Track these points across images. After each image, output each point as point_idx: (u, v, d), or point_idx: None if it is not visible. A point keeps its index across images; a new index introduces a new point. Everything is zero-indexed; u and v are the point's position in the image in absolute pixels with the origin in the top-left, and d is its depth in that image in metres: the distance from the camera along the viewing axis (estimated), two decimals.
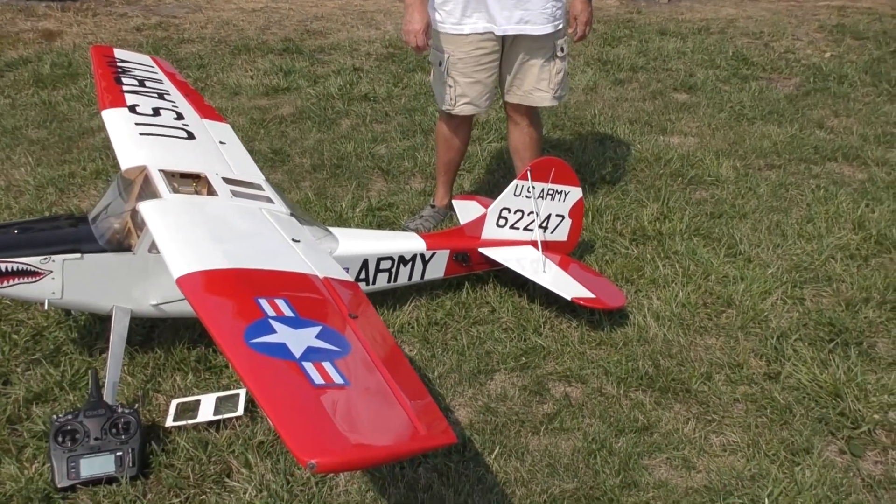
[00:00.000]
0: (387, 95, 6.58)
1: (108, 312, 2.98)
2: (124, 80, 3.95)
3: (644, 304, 3.75)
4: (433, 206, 4.50)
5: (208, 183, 3.16)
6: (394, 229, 4.36)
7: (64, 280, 2.91)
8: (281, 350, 2.07)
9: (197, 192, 3.14)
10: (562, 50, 4.03)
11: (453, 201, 3.98)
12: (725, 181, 5.05)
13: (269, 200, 3.18)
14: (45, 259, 2.86)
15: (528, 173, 3.70)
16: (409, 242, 3.60)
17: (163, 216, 2.79)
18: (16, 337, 3.37)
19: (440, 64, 4.03)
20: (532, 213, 3.77)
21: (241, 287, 2.38)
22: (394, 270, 3.55)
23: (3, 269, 2.82)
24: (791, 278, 3.97)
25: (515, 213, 3.77)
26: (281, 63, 7.30)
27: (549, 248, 3.87)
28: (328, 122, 6.01)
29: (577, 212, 3.89)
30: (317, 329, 2.22)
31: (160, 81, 4.11)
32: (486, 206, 3.81)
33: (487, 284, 3.84)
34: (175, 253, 2.53)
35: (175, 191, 3.03)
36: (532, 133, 4.26)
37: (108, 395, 2.86)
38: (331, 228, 3.49)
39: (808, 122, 6.15)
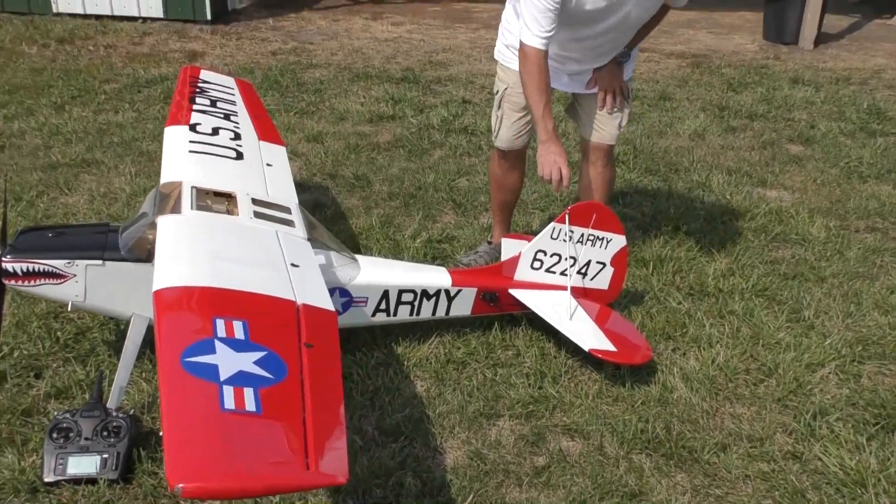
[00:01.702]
0: (487, 129, 6.58)
1: (128, 319, 3.14)
2: (198, 100, 4.17)
3: (677, 363, 3.55)
4: (490, 243, 4.46)
5: (236, 202, 3.28)
6: (450, 263, 4.35)
7: (86, 284, 3.08)
8: (209, 371, 2.11)
9: (228, 211, 3.26)
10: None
11: (503, 239, 3.93)
12: (813, 241, 4.72)
13: (290, 224, 3.25)
14: (69, 263, 3.04)
15: (567, 217, 3.60)
16: (434, 277, 3.58)
17: (172, 231, 2.92)
18: (60, 334, 3.59)
19: (497, 93, 4.02)
20: (570, 258, 3.67)
21: (207, 306, 2.44)
22: (416, 304, 3.54)
23: (33, 270, 3.03)
24: (852, 352, 3.64)
25: (552, 256, 3.68)
26: (394, 92, 7.47)
27: (588, 295, 3.75)
28: (420, 151, 6.09)
29: (620, 260, 3.74)
30: (259, 354, 2.25)
31: (233, 102, 4.30)
32: None
33: (519, 327, 3.76)
34: (163, 266, 2.63)
35: (205, 208, 3.16)
36: (605, 174, 4.16)
37: (113, 399, 3.01)
38: (359, 257, 3.53)
39: None
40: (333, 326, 2.62)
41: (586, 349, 3.33)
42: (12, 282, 3.05)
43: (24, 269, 3.03)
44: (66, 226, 3.39)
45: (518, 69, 3.62)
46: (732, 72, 8.45)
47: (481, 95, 7.57)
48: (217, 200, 3.34)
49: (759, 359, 3.61)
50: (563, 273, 3.69)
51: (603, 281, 3.76)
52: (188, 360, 2.13)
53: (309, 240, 3.27)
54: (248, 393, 2.05)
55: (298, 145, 6.07)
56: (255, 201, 3.32)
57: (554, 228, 3.62)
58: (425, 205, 5.14)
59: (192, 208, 3.09)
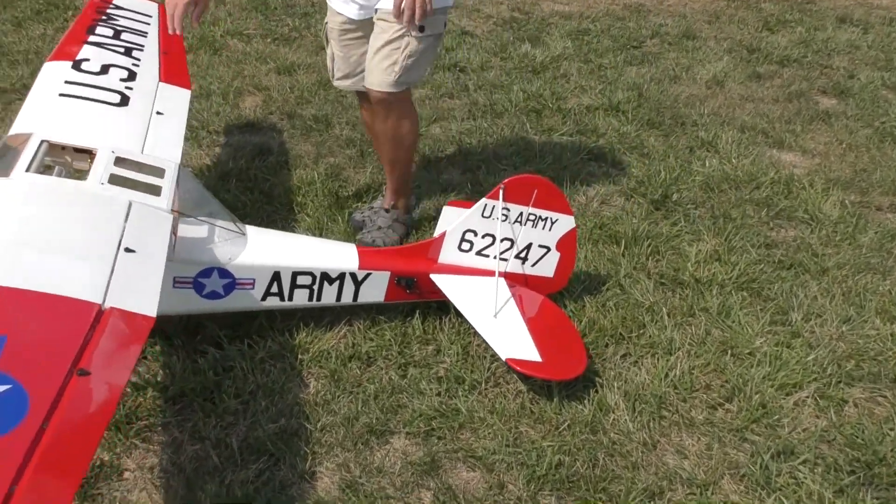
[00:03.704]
0: (479, 66, 5.90)
1: None
2: (98, 30, 3.59)
3: (623, 375, 2.96)
4: (387, 210, 3.76)
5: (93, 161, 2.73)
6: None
7: None
8: None
9: (81, 172, 2.72)
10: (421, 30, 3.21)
11: (445, 207, 3.30)
12: (823, 220, 4.02)
13: (155, 191, 2.69)
14: None
15: (501, 192, 2.98)
16: (338, 257, 3.01)
17: None
18: None
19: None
20: (503, 240, 3.06)
21: None
22: (315, 288, 2.99)
23: None
24: (840, 371, 3.02)
25: (483, 237, 3.08)
26: None
27: (528, 283, 3.16)
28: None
29: (567, 244, 3.13)
30: None
31: (143, 34, 3.71)
32: None
33: (446, 316, 3.19)
34: None
35: (48, 169, 2.64)
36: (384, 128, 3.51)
37: None
38: (251, 231, 2.98)
39: None
40: (139, 339, 2.09)
41: (503, 357, 2.76)
42: None
43: None
44: None
45: None
46: (772, 7, 7.53)
47: (484, 26, 6.83)
48: (77, 157, 2.81)
49: (725, 373, 3.00)
50: (500, 257, 3.09)
51: (547, 267, 3.16)
52: None
53: (178, 211, 2.73)
54: None
55: (265, 77, 5.46)
56: (118, 160, 2.76)
57: (486, 206, 3.02)
58: None
59: (26, 170, 2.55)
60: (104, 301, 2.09)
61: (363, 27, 3.36)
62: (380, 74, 3.27)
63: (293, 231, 3.71)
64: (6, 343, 1.84)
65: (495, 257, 3.09)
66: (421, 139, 4.71)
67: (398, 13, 3.08)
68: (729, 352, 3.10)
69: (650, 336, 3.16)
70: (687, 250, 3.71)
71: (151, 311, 2.15)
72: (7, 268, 2.10)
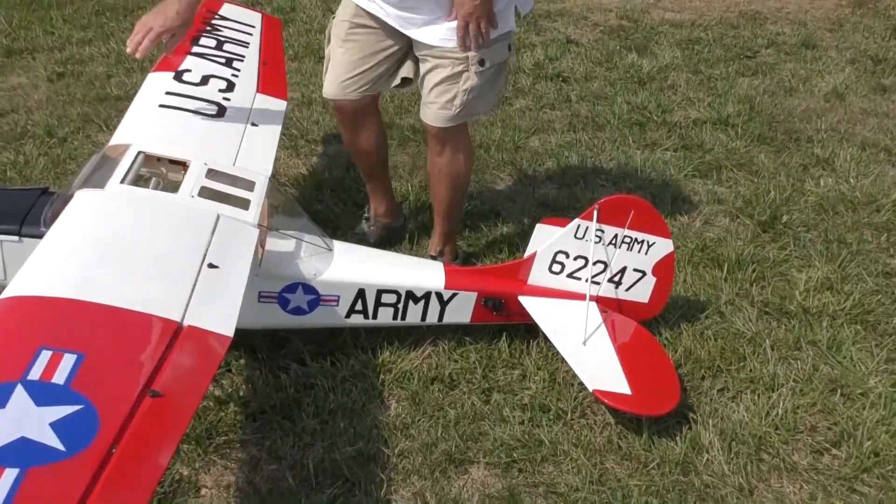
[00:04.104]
0: (583, 77, 5.75)
1: None
2: (202, 41, 3.64)
3: (720, 412, 2.79)
4: (367, 219, 3.71)
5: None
6: (491, 248, 3.70)
7: (4, 262, 2.66)
8: None
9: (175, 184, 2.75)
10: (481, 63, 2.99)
11: (538, 225, 3.18)
12: None
13: (244, 204, 2.69)
14: None
15: (596, 213, 2.86)
16: (424, 275, 2.95)
17: (75, 213, 2.42)
18: None
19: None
20: (596, 262, 2.93)
21: (38, 330, 1.94)
22: (400, 307, 2.93)
23: None
24: None
25: (575, 259, 2.96)
26: None
27: (622, 308, 3.02)
28: (501, 101, 5.34)
29: (665, 268, 2.98)
30: (68, 410, 1.72)
31: (245, 44, 3.74)
32: None
33: (534, 340, 3.08)
34: (30, 265, 2.15)
35: (143, 181, 2.68)
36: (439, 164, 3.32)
37: None
38: (338, 246, 2.95)
39: None
40: (215, 360, 2.08)
41: (590, 389, 2.63)
42: None
43: None
44: None
45: None
46: None
47: (591, 35, 6.67)
48: (172, 169, 2.84)
49: (834, 415, 2.78)
50: (593, 281, 2.96)
51: (641, 293, 3.01)
52: None
53: (265, 226, 2.73)
54: (6, 477, 1.53)
55: None
56: (210, 172, 2.77)
57: (579, 226, 2.90)
58: (480, 167, 4.45)
59: (121, 182, 2.58)
60: (183, 319, 2.09)
61: (382, 27, 3.07)
62: (437, 110, 3.11)
63: (383, 245, 3.67)
64: (83, 362, 1.84)
65: (587, 280, 2.96)
66: (519, 151, 4.63)
67: (462, 44, 2.89)
68: (839, 391, 2.88)
69: (751, 370, 2.97)
70: (796, 277, 3.48)
71: (229, 330, 2.12)
72: (91, 282, 2.11)
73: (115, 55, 5.92)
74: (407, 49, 3.12)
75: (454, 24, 2.87)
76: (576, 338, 2.84)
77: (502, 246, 3.71)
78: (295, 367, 2.92)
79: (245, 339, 2.92)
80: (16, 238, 2.63)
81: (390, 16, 2.99)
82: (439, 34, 2.94)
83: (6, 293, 2.03)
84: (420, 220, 3.81)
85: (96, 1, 6.99)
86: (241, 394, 2.85)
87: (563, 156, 4.61)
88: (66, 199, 2.57)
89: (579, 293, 2.97)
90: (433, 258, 3.51)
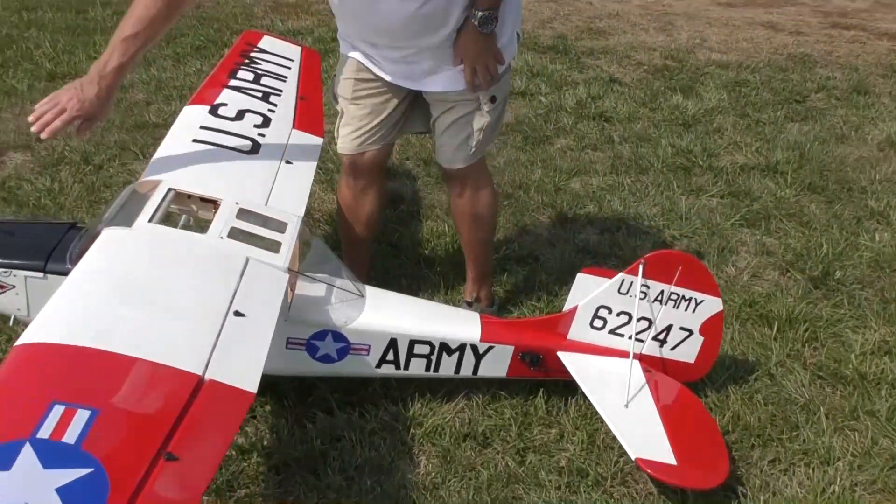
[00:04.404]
0: (626, 117, 5.63)
1: None
2: (239, 74, 3.57)
3: (771, 486, 2.61)
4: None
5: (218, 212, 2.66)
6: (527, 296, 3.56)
7: (28, 298, 2.58)
8: None
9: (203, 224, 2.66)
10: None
11: (578, 274, 3.04)
12: None
13: (274, 247, 2.58)
14: (6, 272, 2.55)
15: (641, 267, 2.72)
16: (458, 327, 2.81)
17: (100, 252, 2.33)
18: None
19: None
20: (640, 319, 2.79)
21: (52, 381, 1.84)
22: (433, 358, 2.80)
23: None
24: None
25: (619, 315, 2.81)
26: (535, 63, 6.61)
27: (666, 368, 2.86)
28: (539, 139, 5.24)
29: (713, 328, 2.83)
30: (77, 474, 1.60)
31: (283, 78, 3.66)
32: None
33: (573, 397, 2.93)
34: (49, 309, 2.05)
35: (170, 219, 2.59)
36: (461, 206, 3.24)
37: None
38: (370, 291, 2.83)
39: None
40: (237, 418, 1.96)
41: (633, 457, 2.48)
42: None
43: None
44: (22, 222, 2.91)
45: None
46: None
47: (634, 74, 6.56)
48: (203, 207, 2.75)
49: None
50: (637, 338, 2.82)
51: (687, 352, 2.85)
52: None
53: (296, 271, 2.62)
54: None
55: None
56: (241, 213, 2.67)
57: (623, 281, 2.76)
58: (518, 209, 4.34)
59: (149, 220, 2.49)
60: (205, 372, 1.97)
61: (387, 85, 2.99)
62: (452, 151, 3.05)
63: (418, 287, 3.56)
64: (97, 418, 1.72)
65: (631, 338, 2.81)
66: (559, 193, 4.50)
67: (472, 88, 2.82)
68: None
69: (805, 440, 2.79)
70: (851, 339, 3.30)
71: (252, 386, 2.00)
72: (110, 330, 2.00)
73: (154, 82, 5.93)
74: (417, 93, 3.02)
75: (459, 68, 2.79)
76: (617, 398, 2.68)
77: (540, 294, 3.57)
78: (322, 417, 2.80)
79: (271, 384, 2.80)
80: (40, 275, 2.54)
81: (392, 74, 2.91)
82: (445, 81, 2.87)
83: (23, 339, 1.93)
84: (455, 263, 3.69)
85: None
86: (265, 443, 2.72)
87: (604, 199, 4.47)
88: (94, 236, 2.48)
89: (622, 350, 2.82)
90: (468, 304, 3.38)
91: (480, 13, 2.64)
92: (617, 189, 4.58)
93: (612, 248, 3.99)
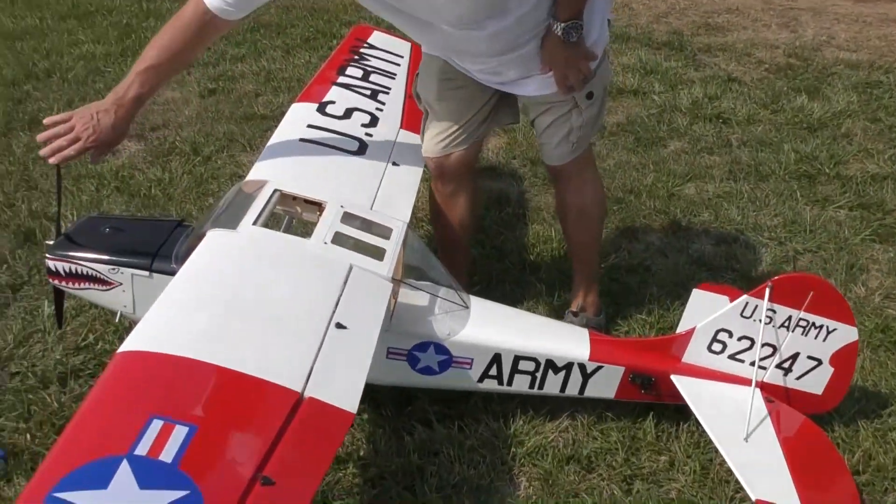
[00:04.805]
0: (745, 119, 5.34)
1: None
2: (348, 71, 3.51)
3: None
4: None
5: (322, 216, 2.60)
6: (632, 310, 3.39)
7: (134, 295, 2.58)
8: None
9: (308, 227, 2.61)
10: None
11: (694, 290, 2.85)
12: None
13: (378, 255, 2.50)
14: (114, 269, 2.55)
15: (768, 290, 2.51)
16: (566, 345, 2.67)
17: (204, 256, 2.30)
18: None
19: None
20: (768, 345, 2.59)
21: (150, 394, 1.79)
22: (538, 375, 2.67)
23: (76, 271, 2.58)
24: None
25: (740, 339, 2.62)
26: (649, 59, 6.35)
27: (790, 399, 2.65)
28: (651, 140, 5.02)
29: (845, 358, 2.61)
30: (174, 496, 1.55)
31: (392, 76, 3.59)
32: None
33: (685, 423, 2.76)
34: (151, 315, 2.02)
35: (274, 222, 2.55)
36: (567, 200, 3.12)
37: None
38: (476, 302, 2.72)
39: None
40: (336, 439, 1.88)
41: (752, 497, 2.29)
42: (56, 281, 2.62)
43: (68, 270, 2.58)
44: (130, 218, 2.91)
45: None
46: None
47: (755, 73, 6.23)
48: (307, 209, 2.70)
49: None
50: (759, 365, 2.62)
51: (815, 383, 2.64)
52: (58, 495, 1.49)
53: (399, 280, 2.54)
54: None
55: None
56: (346, 216, 2.60)
57: (747, 304, 2.56)
58: (629, 215, 4.15)
59: (253, 223, 2.44)
60: (304, 389, 1.90)
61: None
62: (552, 149, 2.93)
63: (521, 293, 3.44)
64: (195, 435, 1.67)
65: (752, 364, 2.62)
66: (672, 199, 4.29)
67: (566, 91, 2.67)
68: None
69: None
70: None
71: (353, 406, 1.93)
72: (211, 340, 1.96)
73: (264, 73, 5.97)
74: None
75: (549, 74, 2.64)
76: (736, 429, 2.49)
77: (651, 307, 3.39)
78: (420, 430, 2.71)
79: (370, 392, 2.73)
80: (146, 273, 2.54)
81: (478, 78, 2.79)
82: (535, 85, 2.73)
83: (125, 346, 1.90)
84: (561, 270, 3.54)
85: (253, 19, 7.07)
86: (362, 453, 2.66)
87: (721, 207, 4.24)
88: (199, 236, 2.45)
89: (742, 377, 2.63)
90: (574, 315, 3.23)
91: (563, 24, 2.49)
92: (735, 197, 4.33)
93: (729, 260, 3.76)
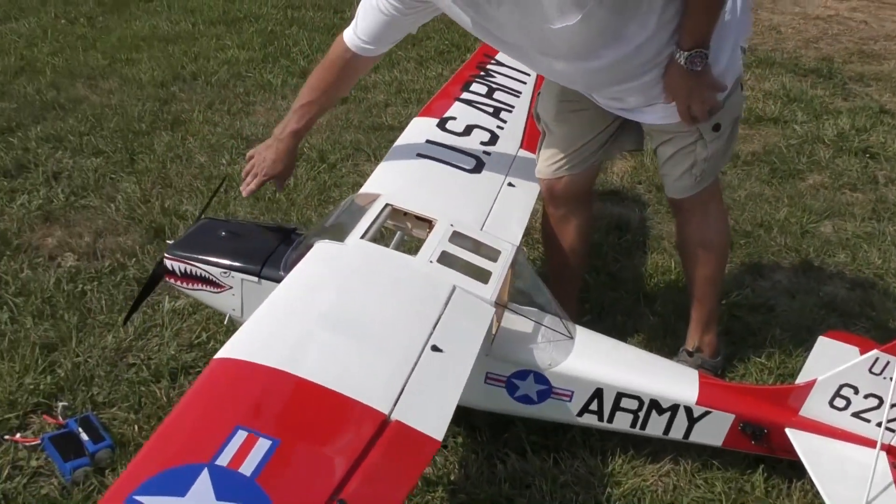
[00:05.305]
0: (895, 155, 5.00)
1: None
2: (472, 87, 3.50)
3: None
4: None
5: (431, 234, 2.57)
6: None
7: (243, 300, 2.63)
8: None
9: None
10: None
11: (820, 337, 2.67)
12: None
13: (484, 277, 2.45)
14: (225, 273, 2.61)
15: None
16: (672, 385, 2.54)
17: (309, 267, 2.31)
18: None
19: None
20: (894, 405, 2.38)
21: (238, 404, 1.80)
22: (641, 415, 2.55)
23: (190, 272, 2.65)
24: None
25: (866, 397, 2.42)
26: (793, 87, 6.06)
27: None
28: (789, 173, 4.76)
29: None
30: None
31: (517, 94, 3.55)
32: None
33: (799, 481, 2.57)
34: (250, 323, 2.05)
35: (382, 237, 2.55)
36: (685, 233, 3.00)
37: None
38: (581, 333, 2.62)
39: None
40: (418, 468, 1.84)
41: None
42: (172, 280, 2.71)
43: (183, 270, 2.66)
44: (245, 224, 2.97)
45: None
46: None
47: None
48: (417, 225, 2.69)
49: None
50: (887, 426, 2.41)
51: None
52: (138, 498, 1.52)
53: (503, 305, 2.48)
54: None
55: None
56: (455, 235, 2.57)
57: (877, 359, 2.36)
58: (757, 250, 3.95)
59: (361, 236, 2.45)
60: (391, 411, 1.87)
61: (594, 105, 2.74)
62: (674, 182, 2.80)
63: (634, 326, 3.31)
64: (276, 450, 1.67)
65: (879, 425, 2.41)
66: (806, 237, 4.06)
67: (690, 122, 2.52)
68: None
69: None
70: None
71: (439, 433, 1.88)
72: (304, 353, 1.96)
73: (396, 84, 6.04)
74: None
75: (673, 103, 2.50)
76: (855, 493, 2.30)
77: (772, 351, 3.20)
78: (514, 459, 2.64)
79: (466, 414, 2.69)
80: (255, 279, 2.58)
81: (599, 103, 2.68)
82: (658, 114, 2.59)
83: (222, 352, 1.93)
84: (678, 304, 3.39)
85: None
86: (452, 478, 2.61)
87: (860, 249, 3.97)
88: (308, 246, 2.47)
89: (866, 438, 2.43)
90: (689, 354, 3.08)
91: (686, 53, 2.36)
92: (876, 238, 4.05)
93: (864, 307, 3.51)
